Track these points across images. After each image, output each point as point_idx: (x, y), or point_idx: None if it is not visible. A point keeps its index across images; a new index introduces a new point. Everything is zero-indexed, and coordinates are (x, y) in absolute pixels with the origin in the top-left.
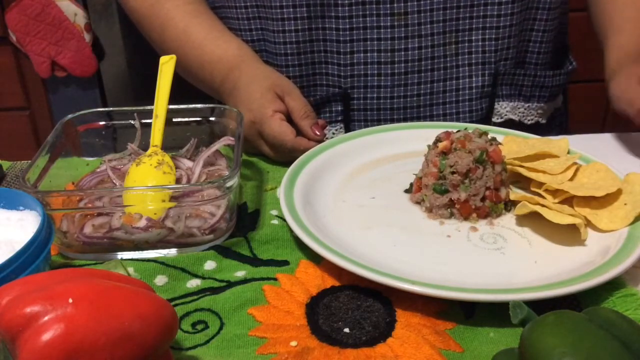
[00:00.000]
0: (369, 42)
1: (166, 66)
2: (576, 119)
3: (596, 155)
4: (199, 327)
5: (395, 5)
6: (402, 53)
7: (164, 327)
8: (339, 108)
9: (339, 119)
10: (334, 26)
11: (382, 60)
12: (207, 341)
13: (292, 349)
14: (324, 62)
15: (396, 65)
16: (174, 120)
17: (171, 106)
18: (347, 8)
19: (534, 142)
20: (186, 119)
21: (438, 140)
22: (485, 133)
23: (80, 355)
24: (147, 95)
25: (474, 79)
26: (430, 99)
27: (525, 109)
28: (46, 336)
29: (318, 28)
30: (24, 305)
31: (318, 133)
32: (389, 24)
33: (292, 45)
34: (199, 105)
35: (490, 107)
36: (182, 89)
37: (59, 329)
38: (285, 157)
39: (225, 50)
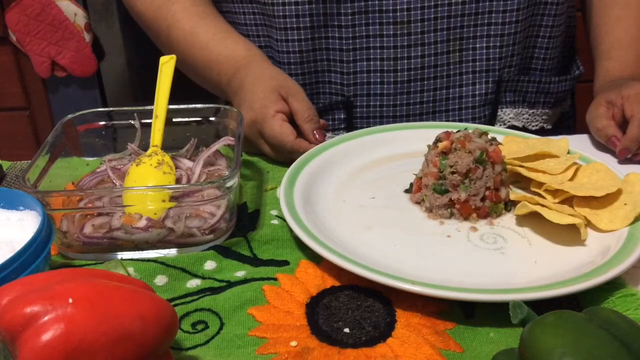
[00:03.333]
0: (371, 51)
1: (166, 66)
2: (580, 118)
3: (596, 155)
4: (199, 327)
5: (399, 14)
6: (405, 61)
7: (164, 327)
8: (342, 116)
9: (342, 126)
10: (337, 35)
11: (385, 68)
12: (207, 341)
13: (292, 349)
14: (327, 70)
15: (399, 74)
16: (174, 120)
17: (171, 106)
18: (350, 17)
19: (534, 142)
20: (186, 119)
21: (438, 140)
22: (485, 133)
23: (80, 355)
24: (147, 95)
25: (477, 86)
26: (433, 107)
27: (529, 115)
28: (46, 336)
29: (321, 37)
30: (24, 305)
31: (319, 137)
32: (391, 32)
33: (296, 55)
34: (199, 106)
35: (493, 114)
36: (182, 89)
37: (59, 329)
38: (285, 157)
39: (233, 50)
